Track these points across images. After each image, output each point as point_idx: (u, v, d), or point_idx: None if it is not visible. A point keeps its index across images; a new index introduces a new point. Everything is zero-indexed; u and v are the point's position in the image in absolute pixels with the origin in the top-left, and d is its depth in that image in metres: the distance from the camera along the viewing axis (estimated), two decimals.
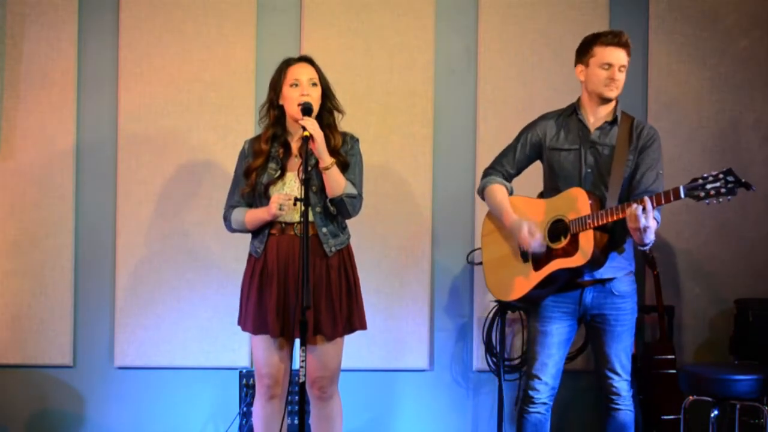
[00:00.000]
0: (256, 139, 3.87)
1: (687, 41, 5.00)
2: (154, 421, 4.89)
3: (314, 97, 3.74)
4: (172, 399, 4.90)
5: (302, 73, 3.77)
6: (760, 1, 5.01)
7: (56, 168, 4.84)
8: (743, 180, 3.40)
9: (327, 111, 3.82)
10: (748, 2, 5.01)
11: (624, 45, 3.74)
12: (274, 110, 3.81)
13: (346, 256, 3.83)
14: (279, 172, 3.78)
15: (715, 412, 4.33)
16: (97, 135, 4.88)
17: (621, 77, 3.74)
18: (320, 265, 3.75)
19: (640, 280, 4.96)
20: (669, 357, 4.71)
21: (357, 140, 3.87)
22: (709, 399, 4.34)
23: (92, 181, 4.89)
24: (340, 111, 3.85)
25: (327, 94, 3.82)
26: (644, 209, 3.45)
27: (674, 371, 4.65)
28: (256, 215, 3.78)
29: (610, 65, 3.72)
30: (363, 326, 3.88)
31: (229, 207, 3.89)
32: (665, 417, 4.64)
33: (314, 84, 3.76)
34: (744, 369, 4.45)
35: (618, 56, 3.73)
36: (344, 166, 3.76)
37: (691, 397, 4.43)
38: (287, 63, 3.82)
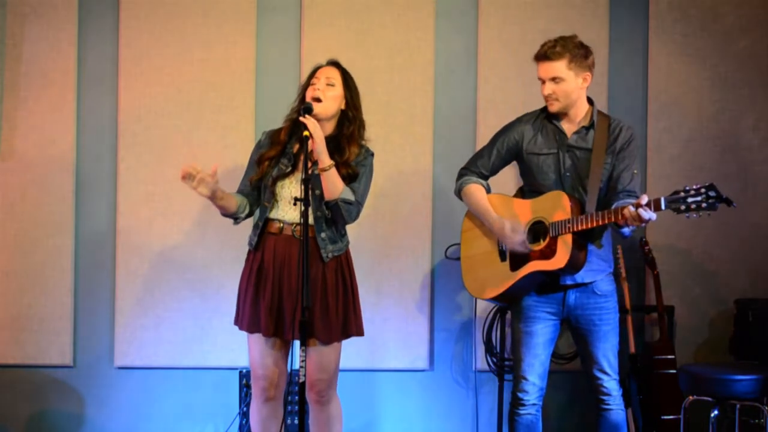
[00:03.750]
0: (276, 131, 3.90)
1: (687, 41, 5.00)
2: (154, 421, 4.89)
3: (327, 96, 3.76)
4: (172, 399, 4.90)
5: (322, 73, 3.81)
6: (760, 1, 5.01)
7: (56, 168, 4.84)
8: (725, 196, 3.38)
9: (347, 120, 3.83)
10: (748, 2, 5.01)
11: (544, 57, 3.70)
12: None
13: (344, 261, 3.82)
14: (289, 169, 3.79)
15: (715, 412, 4.34)
16: (97, 135, 4.88)
17: (557, 88, 3.71)
18: (316, 269, 3.74)
19: (640, 280, 4.97)
20: (669, 357, 4.71)
21: (372, 154, 3.88)
22: (709, 399, 4.34)
23: (92, 181, 4.89)
24: (360, 122, 3.84)
25: (348, 103, 3.82)
26: (641, 205, 3.43)
27: (674, 371, 4.65)
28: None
29: (542, 80, 3.73)
30: (359, 333, 3.86)
31: (236, 191, 3.93)
32: (665, 417, 4.64)
33: (331, 85, 3.78)
34: (744, 369, 4.45)
35: (544, 70, 3.72)
36: (352, 179, 3.77)
37: (691, 397, 4.43)
38: (317, 66, 3.86)
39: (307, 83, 3.83)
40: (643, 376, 4.70)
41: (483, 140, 4.87)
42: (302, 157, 3.70)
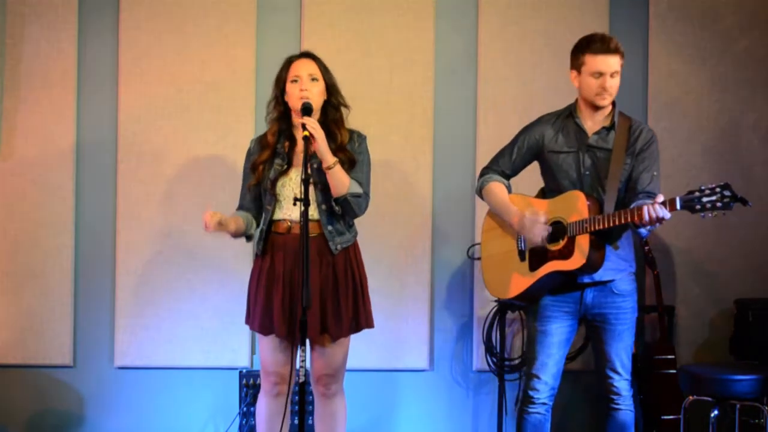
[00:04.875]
0: (262, 135, 3.89)
1: (687, 41, 5.00)
2: (154, 421, 4.89)
3: (314, 93, 3.75)
4: (172, 399, 4.90)
5: (302, 68, 3.77)
6: (760, 1, 5.01)
7: (56, 168, 4.84)
8: (740, 195, 3.38)
9: (332, 107, 3.82)
10: (748, 2, 5.01)
11: (614, 51, 3.67)
12: (279, 106, 3.83)
13: (352, 254, 3.83)
14: (285, 167, 3.79)
15: (715, 412, 4.34)
16: (97, 135, 4.88)
17: (613, 83, 3.70)
18: (326, 264, 3.75)
19: (640, 279, 4.96)
20: (669, 357, 4.71)
21: (364, 138, 3.87)
22: (709, 399, 4.34)
23: (92, 181, 4.89)
24: (345, 106, 3.84)
25: (331, 90, 3.82)
26: (657, 203, 3.42)
27: (674, 371, 4.65)
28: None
29: (601, 74, 3.68)
30: (370, 325, 3.87)
31: (237, 208, 3.93)
32: (665, 417, 4.64)
33: (314, 79, 3.76)
34: (744, 369, 4.45)
35: (608, 64, 3.67)
36: (351, 164, 3.76)
37: (691, 397, 4.43)
38: (290, 59, 3.84)
39: (284, 77, 3.79)
40: (643, 376, 4.70)
41: (483, 140, 4.90)
42: (295, 153, 3.75)
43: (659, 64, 5.00)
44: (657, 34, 5.00)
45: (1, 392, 4.85)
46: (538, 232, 3.68)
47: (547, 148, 3.83)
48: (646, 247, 4.84)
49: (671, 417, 4.62)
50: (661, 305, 4.77)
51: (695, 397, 4.40)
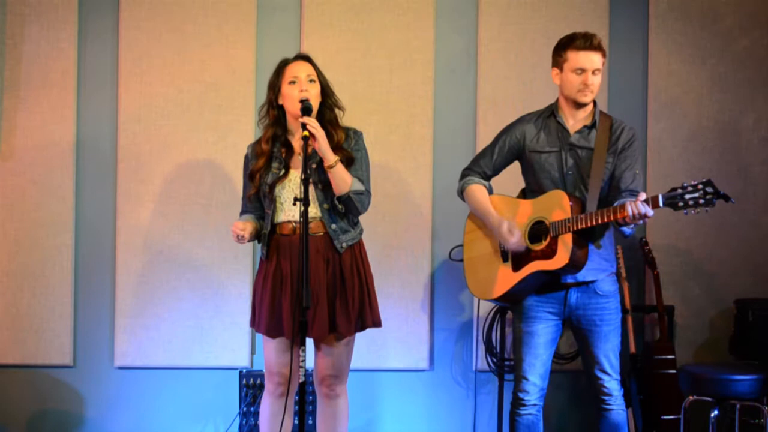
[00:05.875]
0: (257, 142, 3.88)
1: (687, 41, 5.00)
2: (154, 421, 4.89)
3: (313, 94, 3.74)
4: (172, 399, 4.90)
5: (300, 70, 3.77)
6: (760, 1, 5.01)
7: (56, 168, 4.84)
8: (722, 192, 3.39)
9: (327, 108, 3.82)
10: (748, 2, 5.01)
11: (597, 48, 3.69)
12: (273, 110, 3.81)
13: (358, 252, 3.82)
14: (283, 171, 3.78)
15: (715, 412, 4.34)
16: (97, 135, 4.88)
17: (595, 80, 3.71)
18: (333, 263, 3.75)
19: (640, 280, 4.98)
20: (669, 357, 4.71)
21: (361, 134, 3.86)
22: (709, 399, 4.34)
23: (92, 181, 4.89)
24: (340, 108, 3.85)
25: (326, 92, 3.82)
26: (640, 201, 3.44)
27: (674, 371, 4.65)
28: None
29: (583, 70, 3.69)
30: (377, 323, 3.86)
31: (240, 213, 3.93)
32: (665, 417, 4.64)
33: (312, 80, 3.76)
34: (744, 369, 4.45)
35: (591, 60, 3.68)
36: (349, 161, 3.76)
37: (691, 397, 4.43)
38: (285, 62, 3.83)
39: (279, 81, 3.78)
40: (643, 376, 4.70)
41: (483, 140, 4.89)
42: (293, 156, 3.75)
43: (659, 64, 5.00)
44: (657, 34, 5.00)
45: (1, 392, 4.86)
46: (513, 246, 3.71)
47: (529, 148, 3.83)
48: (646, 247, 4.85)
49: (671, 417, 4.62)
50: (661, 305, 4.77)
51: (695, 397, 4.40)
